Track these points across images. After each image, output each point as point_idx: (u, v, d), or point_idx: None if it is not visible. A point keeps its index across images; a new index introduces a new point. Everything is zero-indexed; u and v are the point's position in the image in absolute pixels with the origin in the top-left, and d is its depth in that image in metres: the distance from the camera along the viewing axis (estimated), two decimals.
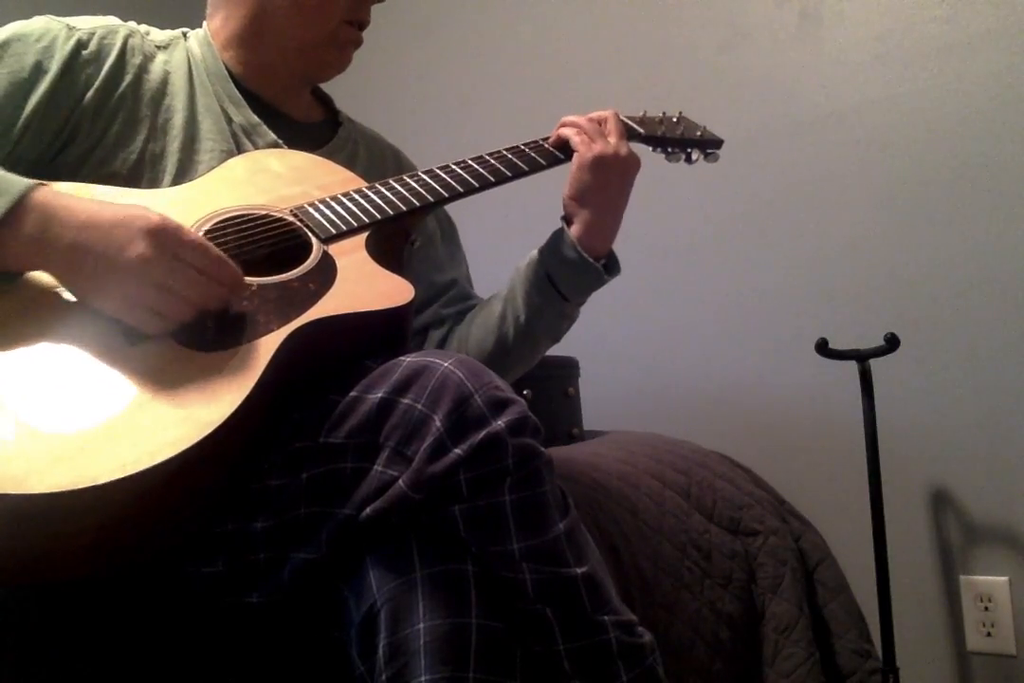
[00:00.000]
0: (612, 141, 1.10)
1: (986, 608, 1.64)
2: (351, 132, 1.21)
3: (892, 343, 1.56)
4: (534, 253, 1.13)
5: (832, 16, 1.86)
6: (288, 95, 1.14)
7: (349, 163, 1.14)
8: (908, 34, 1.77)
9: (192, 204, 0.92)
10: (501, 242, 1.73)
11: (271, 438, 0.80)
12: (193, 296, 0.79)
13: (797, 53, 1.90)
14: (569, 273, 1.09)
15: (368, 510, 0.73)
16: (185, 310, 0.79)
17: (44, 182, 0.82)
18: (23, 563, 0.72)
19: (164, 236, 0.79)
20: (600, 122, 1.12)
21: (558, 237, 1.10)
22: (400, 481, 0.72)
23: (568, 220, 1.11)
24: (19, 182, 0.80)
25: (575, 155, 1.09)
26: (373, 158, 1.21)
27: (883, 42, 1.80)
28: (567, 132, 1.11)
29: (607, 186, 1.09)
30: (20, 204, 0.79)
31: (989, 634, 1.64)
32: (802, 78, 1.89)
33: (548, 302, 1.10)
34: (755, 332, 1.91)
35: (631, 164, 1.10)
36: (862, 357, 1.59)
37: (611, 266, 1.13)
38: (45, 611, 0.79)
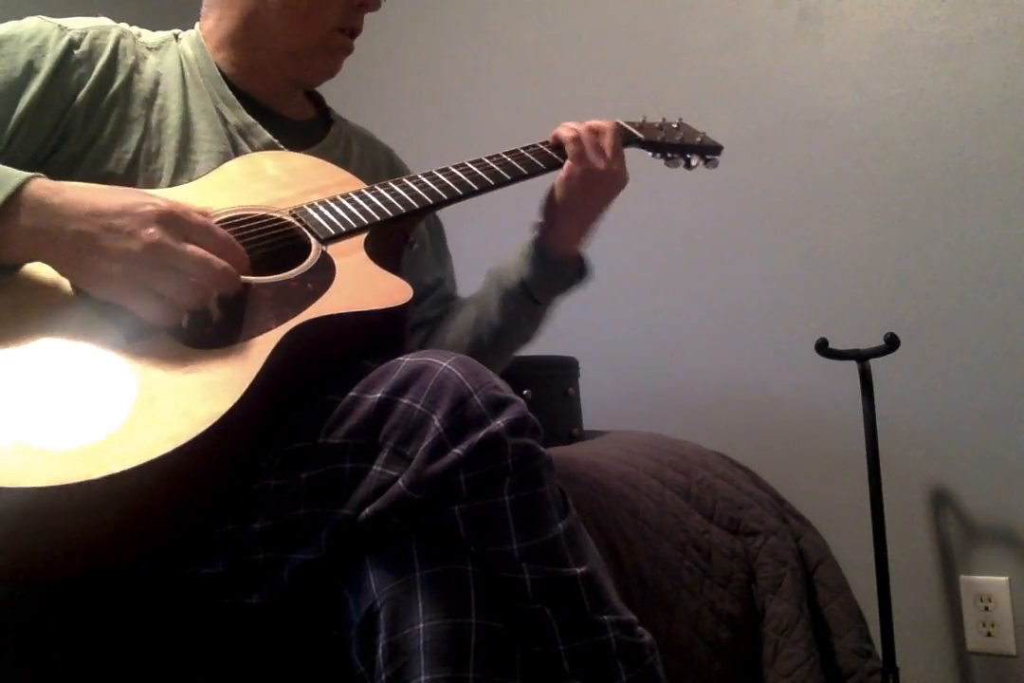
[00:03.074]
0: (608, 156, 1.10)
1: (986, 608, 1.64)
2: (343, 130, 1.22)
3: (892, 343, 1.56)
4: (507, 259, 1.14)
5: (832, 16, 1.86)
6: (280, 96, 1.15)
7: (343, 161, 1.14)
8: (908, 34, 1.78)
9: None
10: (496, 242, 1.73)
11: (270, 437, 0.80)
12: (202, 278, 0.78)
13: (797, 53, 1.90)
14: (543, 279, 1.11)
15: (367, 510, 0.73)
16: (192, 294, 0.78)
17: (40, 174, 0.81)
18: (20, 560, 0.72)
19: (173, 220, 0.79)
20: (598, 133, 1.12)
21: (531, 243, 1.12)
22: (399, 481, 0.72)
23: (542, 225, 1.12)
24: (15, 174, 0.80)
25: (566, 165, 1.10)
26: (365, 156, 1.22)
27: (883, 42, 1.80)
28: (564, 138, 1.11)
29: (591, 199, 1.11)
30: (16, 196, 0.78)
31: (989, 634, 1.64)
32: (802, 78, 1.89)
33: (522, 307, 1.12)
34: (755, 332, 1.91)
35: (620, 182, 1.12)
36: (862, 357, 1.59)
37: (583, 269, 1.15)
38: (45, 611, 0.79)
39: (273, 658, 0.80)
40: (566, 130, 1.12)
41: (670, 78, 2.05)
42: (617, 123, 1.20)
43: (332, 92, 1.24)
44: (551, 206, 1.12)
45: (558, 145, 1.12)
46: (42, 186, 0.80)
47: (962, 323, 1.69)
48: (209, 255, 0.79)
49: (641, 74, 2.09)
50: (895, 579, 1.54)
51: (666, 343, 2.02)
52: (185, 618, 0.81)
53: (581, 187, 1.10)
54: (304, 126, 1.17)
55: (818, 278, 1.85)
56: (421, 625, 0.69)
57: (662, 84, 2.05)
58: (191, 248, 0.78)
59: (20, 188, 0.79)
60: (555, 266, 1.10)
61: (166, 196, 0.91)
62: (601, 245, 2.04)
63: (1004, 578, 1.64)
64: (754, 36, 1.96)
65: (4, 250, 0.79)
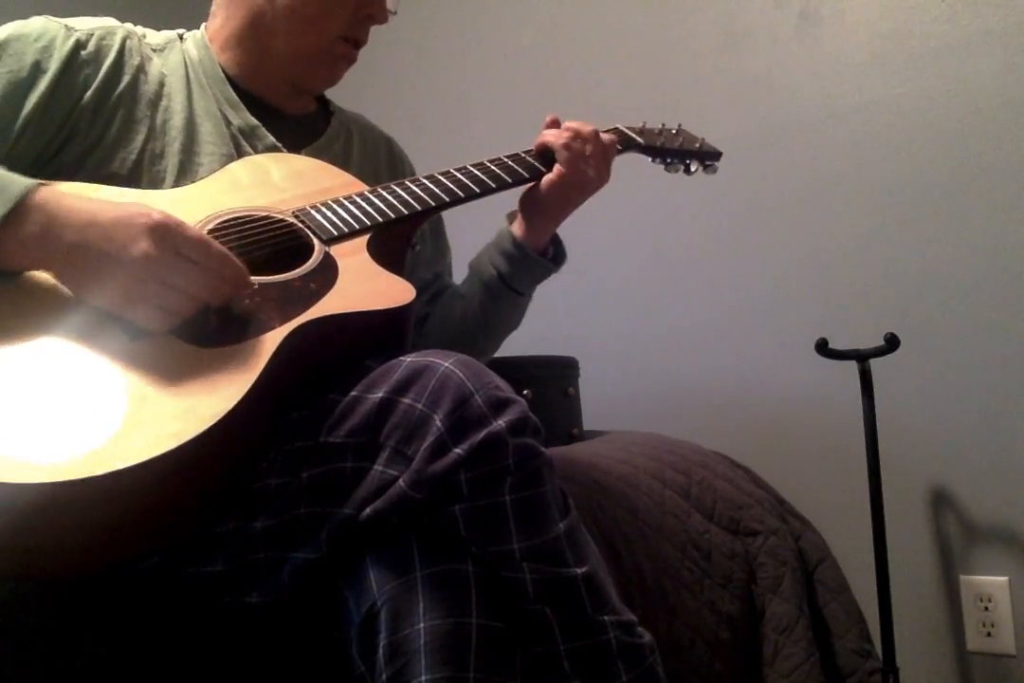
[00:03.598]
0: (593, 163, 1.11)
1: (986, 608, 1.64)
2: (343, 121, 1.22)
3: (892, 343, 1.56)
4: (483, 253, 1.16)
5: (832, 16, 1.86)
6: (283, 96, 1.15)
7: (345, 153, 1.16)
8: (908, 34, 1.78)
9: (193, 205, 0.92)
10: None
11: (272, 436, 0.81)
12: (196, 292, 0.79)
13: (797, 53, 1.90)
14: (524, 272, 1.13)
15: (368, 510, 0.73)
16: (188, 305, 0.79)
17: (46, 182, 0.82)
18: (23, 557, 0.72)
19: (166, 232, 0.79)
20: (585, 139, 1.11)
21: (508, 239, 1.13)
22: (400, 481, 0.72)
23: (521, 222, 1.13)
24: (21, 182, 0.80)
25: (557, 170, 1.10)
26: (366, 145, 1.23)
27: (883, 42, 1.80)
28: (553, 145, 1.11)
29: (576, 199, 1.13)
30: (21, 204, 0.78)
31: (989, 634, 1.64)
32: (802, 78, 1.89)
33: (505, 299, 1.15)
34: (755, 332, 1.91)
35: (601, 185, 1.13)
36: (862, 357, 1.59)
37: (558, 253, 1.17)
38: (45, 611, 0.79)
39: (273, 658, 0.80)
40: (554, 137, 1.12)
41: (670, 78, 2.05)
42: (618, 128, 1.21)
43: (333, 91, 1.24)
44: (534, 205, 1.12)
45: (544, 150, 1.13)
46: (47, 194, 0.80)
47: (962, 323, 1.69)
48: (200, 272, 0.79)
49: (641, 74, 2.09)
50: (895, 579, 1.54)
51: (666, 343, 2.02)
52: (185, 617, 0.81)
53: (569, 191, 1.11)
54: (306, 122, 1.18)
55: (818, 278, 1.85)
56: (422, 625, 0.69)
57: (662, 84, 2.05)
58: (184, 264, 0.78)
59: (27, 195, 0.79)
60: (534, 260, 1.13)
61: (170, 198, 0.91)
62: (601, 246, 2.05)
63: (1004, 578, 1.64)
64: (754, 36, 1.96)
65: (7, 257, 0.79)
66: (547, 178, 1.10)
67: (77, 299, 0.80)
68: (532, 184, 1.12)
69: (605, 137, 1.13)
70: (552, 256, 1.16)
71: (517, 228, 1.14)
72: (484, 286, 1.14)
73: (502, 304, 1.15)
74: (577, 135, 1.11)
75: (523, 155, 1.13)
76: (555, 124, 1.15)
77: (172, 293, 0.78)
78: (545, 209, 1.12)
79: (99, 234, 0.78)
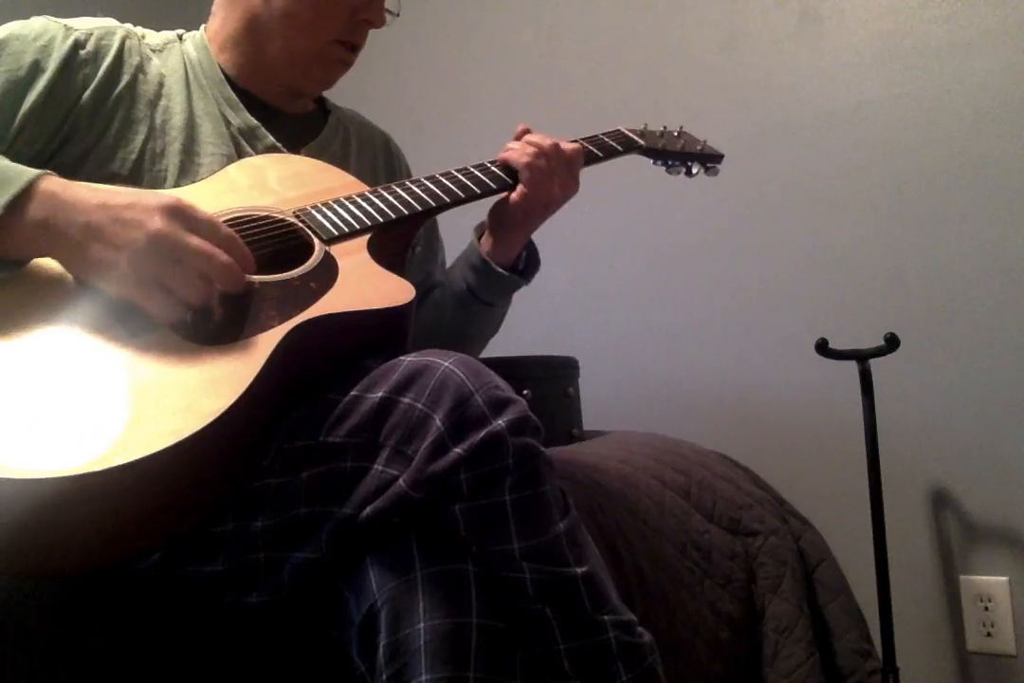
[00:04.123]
0: (557, 180, 1.10)
1: (986, 608, 1.64)
2: (340, 118, 1.23)
3: (892, 343, 1.56)
4: (455, 264, 1.17)
5: (832, 16, 1.86)
6: (281, 97, 1.15)
7: (342, 151, 1.16)
8: (908, 34, 1.78)
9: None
10: None
11: (271, 435, 0.81)
12: (206, 270, 0.79)
13: (797, 53, 1.90)
14: (492, 285, 1.14)
15: (368, 509, 0.73)
16: (196, 288, 0.79)
17: (51, 172, 0.82)
18: (22, 554, 0.72)
19: (178, 212, 0.79)
20: (547, 157, 1.10)
21: (476, 254, 1.13)
22: (400, 480, 0.73)
23: (488, 238, 1.13)
24: (27, 171, 0.81)
25: (520, 192, 1.09)
26: (363, 142, 1.23)
27: (883, 42, 1.80)
28: (517, 164, 1.10)
29: (545, 214, 1.13)
30: (28, 190, 0.79)
31: (989, 634, 1.64)
32: (802, 78, 1.89)
33: (475, 311, 1.16)
34: (755, 332, 1.91)
35: (569, 198, 1.13)
36: (862, 357, 1.59)
37: (531, 262, 1.17)
38: (45, 611, 0.79)
39: (273, 658, 0.80)
40: (516, 155, 1.10)
41: (670, 79, 2.05)
42: (619, 130, 1.20)
43: (334, 91, 1.24)
44: (501, 222, 1.12)
45: (508, 166, 1.11)
46: (54, 182, 0.81)
47: (962, 323, 1.69)
48: (213, 249, 0.79)
49: (641, 75, 2.09)
50: (895, 579, 1.54)
51: (666, 343, 2.02)
52: (185, 617, 0.81)
53: (535, 208, 1.11)
54: (304, 120, 1.18)
55: (818, 278, 1.85)
56: (422, 625, 0.69)
57: (662, 85, 2.05)
58: (196, 241, 0.79)
59: (32, 183, 0.79)
60: (502, 275, 1.12)
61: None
62: (601, 246, 2.05)
63: (1004, 578, 1.64)
64: (754, 36, 1.96)
65: (13, 244, 0.79)
66: (512, 197, 1.10)
67: (81, 290, 0.80)
68: (499, 200, 1.12)
69: (568, 148, 1.12)
70: (524, 266, 1.16)
71: (485, 242, 1.14)
72: (455, 298, 1.15)
73: (474, 315, 1.16)
74: (539, 152, 1.09)
75: None
76: (525, 134, 1.14)
77: (182, 273, 0.78)
78: (512, 225, 1.12)
79: (111, 216, 0.78)
